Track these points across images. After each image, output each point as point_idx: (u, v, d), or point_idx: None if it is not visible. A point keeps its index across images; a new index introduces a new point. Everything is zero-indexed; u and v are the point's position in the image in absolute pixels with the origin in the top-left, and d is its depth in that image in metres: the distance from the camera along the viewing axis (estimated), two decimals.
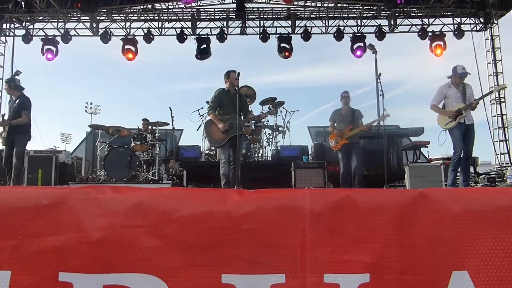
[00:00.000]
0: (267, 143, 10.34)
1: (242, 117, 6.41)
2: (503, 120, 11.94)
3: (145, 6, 12.38)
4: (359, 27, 12.39)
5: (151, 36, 12.20)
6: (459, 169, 6.44)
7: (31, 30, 12.36)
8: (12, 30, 12.62)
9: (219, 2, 12.61)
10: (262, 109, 10.45)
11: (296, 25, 12.45)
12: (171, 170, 9.11)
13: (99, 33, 12.25)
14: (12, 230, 1.86)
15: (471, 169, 7.85)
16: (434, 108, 6.67)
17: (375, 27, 12.24)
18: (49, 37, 12.19)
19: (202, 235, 1.83)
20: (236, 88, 6.21)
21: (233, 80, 6.29)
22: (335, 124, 7.68)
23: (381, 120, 7.36)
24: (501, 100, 12.03)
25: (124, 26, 12.51)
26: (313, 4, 12.50)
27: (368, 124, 7.47)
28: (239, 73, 6.27)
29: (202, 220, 1.85)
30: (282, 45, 12.18)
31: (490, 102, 12.03)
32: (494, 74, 12.10)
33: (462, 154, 6.34)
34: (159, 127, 9.05)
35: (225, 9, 12.56)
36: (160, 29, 12.56)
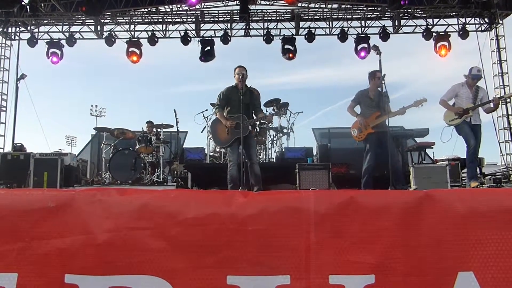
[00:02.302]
0: (272, 145, 10.33)
1: (253, 114, 6.21)
2: (509, 120, 11.83)
3: (149, 9, 12.41)
4: (363, 28, 12.33)
5: (155, 39, 12.21)
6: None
7: (36, 33, 12.42)
8: (17, 34, 12.68)
9: (223, 4, 12.61)
10: (267, 111, 10.47)
11: (300, 26, 12.40)
12: (175, 172, 9.12)
13: (104, 36, 12.28)
14: (19, 232, 1.87)
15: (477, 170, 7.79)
16: (442, 103, 6.66)
17: (379, 28, 12.16)
18: (54, 40, 12.24)
19: (207, 237, 1.84)
20: (241, 84, 6.06)
21: (237, 76, 6.11)
22: (360, 110, 6.66)
23: (417, 106, 6.30)
24: (507, 101, 11.94)
25: (128, 29, 12.54)
26: (317, 6, 12.47)
27: (402, 109, 6.31)
28: (244, 68, 6.17)
29: (207, 222, 1.85)
30: (286, 46, 12.15)
31: None
32: (500, 74, 12.02)
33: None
34: (164, 129, 9.06)
35: (229, 11, 12.55)
36: (164, 32, 12.57)
